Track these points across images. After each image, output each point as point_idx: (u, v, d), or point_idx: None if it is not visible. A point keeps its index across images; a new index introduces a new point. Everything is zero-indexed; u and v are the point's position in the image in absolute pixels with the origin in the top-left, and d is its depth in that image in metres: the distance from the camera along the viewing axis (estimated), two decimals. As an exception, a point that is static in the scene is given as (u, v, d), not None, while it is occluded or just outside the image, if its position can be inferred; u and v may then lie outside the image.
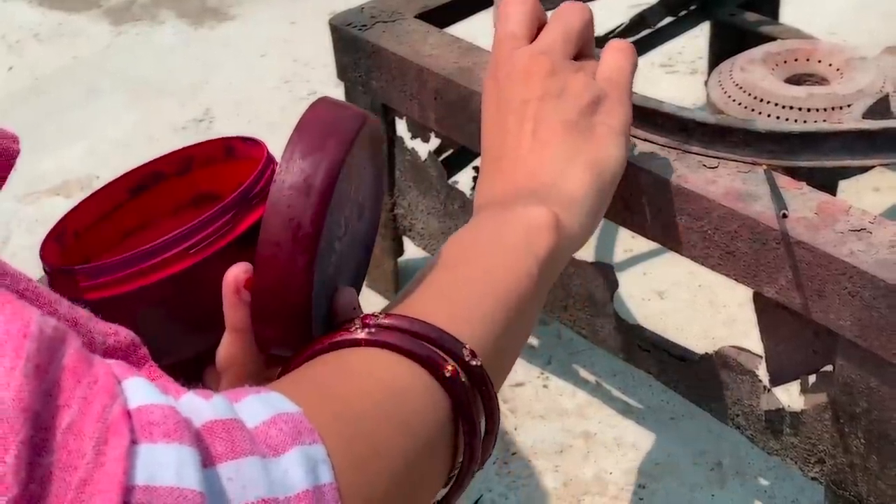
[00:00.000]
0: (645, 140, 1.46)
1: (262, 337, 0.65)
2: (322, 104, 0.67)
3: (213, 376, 0.71)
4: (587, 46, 0.90)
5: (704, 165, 1.41)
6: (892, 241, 1.25)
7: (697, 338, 1.91)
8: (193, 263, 0.65)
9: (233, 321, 0.67)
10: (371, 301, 2.04)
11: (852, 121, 1.45)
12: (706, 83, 2.69)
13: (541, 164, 0.81)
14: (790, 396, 1.63)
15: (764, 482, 1.69)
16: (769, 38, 2.09)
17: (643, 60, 2.49)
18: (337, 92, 2.92)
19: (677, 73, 2.76)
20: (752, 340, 1.54)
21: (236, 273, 0.66)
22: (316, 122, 0.63)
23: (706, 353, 1.53)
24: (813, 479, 1.46)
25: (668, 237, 1.44)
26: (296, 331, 0.65)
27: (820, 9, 2.93)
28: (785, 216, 1.25)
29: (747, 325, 1.96)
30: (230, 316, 0.67)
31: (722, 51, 2.30)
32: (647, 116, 1.46)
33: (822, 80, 1.75)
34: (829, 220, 1.29)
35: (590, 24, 0.89)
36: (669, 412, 1.81)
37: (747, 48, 1.77)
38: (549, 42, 0.84)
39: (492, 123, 0.84)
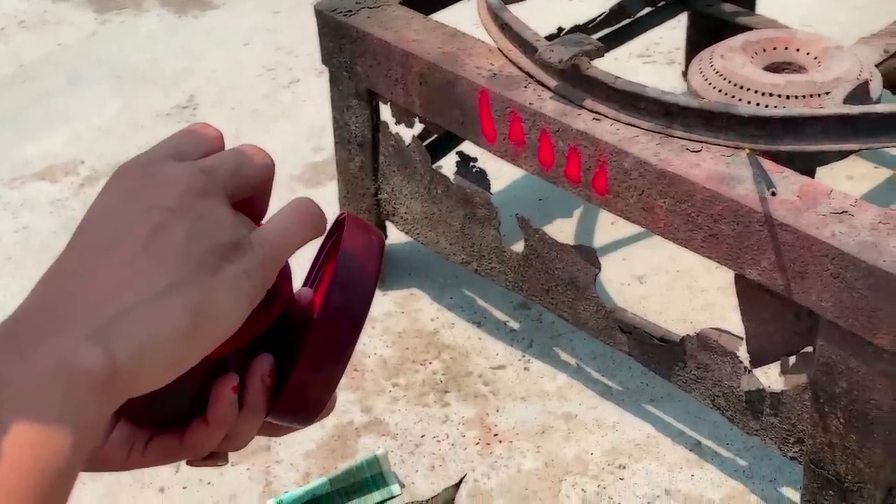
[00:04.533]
0: (628, 125, 1.48)
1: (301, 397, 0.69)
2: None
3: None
4: (260, 206, 0.68)
5: (688, 149, 1.43)
6: (874, 224, 1.28)
7: (676, 322, 1.94)
8: (224, 354, 0.68)
9: (220, 415, 0.66)
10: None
11: (833, 106, 1.48)
12: (684, 73, 2.72)
13: (133, 277, 0.57)
14: (769, 378, 1.66)
15: (742, 462, 1.72)
16: (746, 29, 2.11)
17: (622, 51, 2.53)
18: (319, 81, 2.95)
19: (655, 64, 2.79)
20: (729, 324, 1.57)
21: (265, 364, 0.68)
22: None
23: (687, 335, 1.56)
24: (792, 458, 1.49)
25: (652, 220, 1.46)
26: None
27: (793, 1, 2.97)
28: (774, 194, 1.27)
29: (725, 309, 1.99)
30: (227, 412, 0.66)
31: (699, 41, 2.32)
32: (630, 101, 1.49)
33: (800, 69, 1.78)
34: (812, 202, 1.32)
35: (268, 177, 0.67)
36: (649, 394, 1.83)
37: (724, 39, 1.80)
38: (215, 165, 0.63)
39: (99, 211, 0.61)
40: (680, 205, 1.41)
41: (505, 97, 1.57)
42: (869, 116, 1.38)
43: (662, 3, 2.33)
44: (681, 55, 2.65)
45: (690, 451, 1.74)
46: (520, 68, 1.60)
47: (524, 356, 1.91)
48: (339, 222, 0.71)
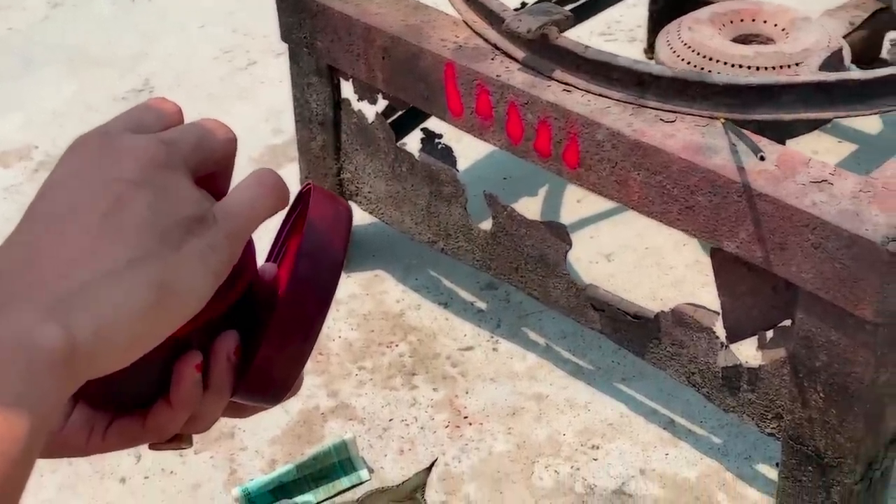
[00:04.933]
0: (600, 95, 1.45)
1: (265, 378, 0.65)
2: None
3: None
4: (222, 183, 0.65)
5: (662, 119, 1.40)
6: (854, 192, 1.25)
7: (646, 299, 1.91)
8: (187, 332, 0.62)
9: (183, 395, 0.63)
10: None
11: (809, 73, 1.45)
12: (646, 51, 2.69)
13: (93, 251, 0.53)
14: (741, 353, 1.63)
15: (717, 440, 1.69)
16: (707, 4, 2.09)
17: (583, 29, 2.49)
18: (277, 62, 2.90)
19: (617, 42, 2.76)
20: (700, 301, 1.53)
21: (230, 341, 0.64)
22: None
23: (661, 311, 1.52)
24: (770, 434, 1.46)
25: (625, 194, 1.43)
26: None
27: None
28: (763, 158, 1.24)
29: (695, 285, 1.96)
30: (190, 392, 0.63)
31: (661, 16, 2.30)
32: (602, 71, 1.45)
33: (767, 40, 1.75)
34: (790, 171, 1.29)
35: (231, 152, 0.63)
36: (620, 373, 1.80)
37: (686, 14, 1.77)
38: (175, 138, 0.60)
39: (55, 184, 0.58)
40: (655, 177, 1.37)
41: (471, 69, 1.52)
42: (846, 83, 1.35)
43: (625, -23, 2.29)
44: (642, 32, 2.62)
45: (664, 429, 1.71)
46: (486, 40, 1.56)
47: (492, 337, 1.88)
48: (304, 193, 0.67)
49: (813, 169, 1.29)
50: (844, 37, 1.82)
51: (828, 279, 1.25)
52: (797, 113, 1.37)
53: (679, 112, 1.40)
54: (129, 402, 0.64)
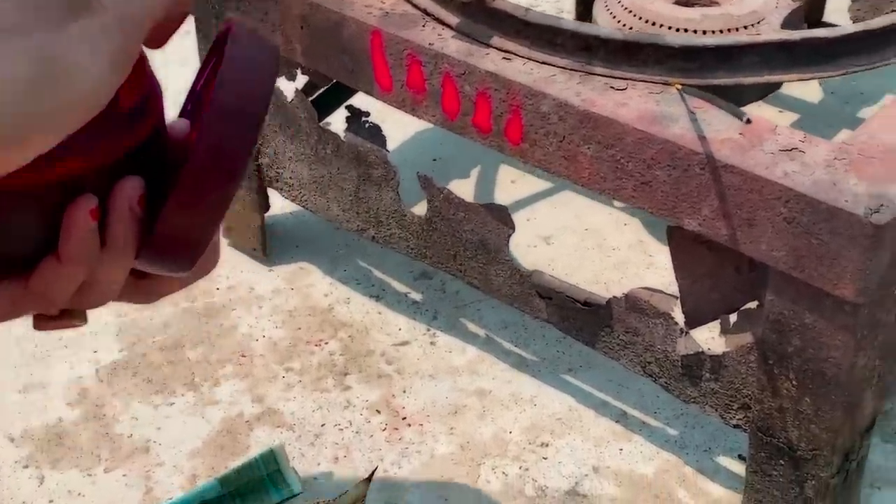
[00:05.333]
0: (543, 63, 1.32)
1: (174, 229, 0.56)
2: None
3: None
4: None
5: (612, 87, 1.27)
6: (828, 160, 1.14)
7: (589, 283, 1.79)
8: (81, 172, 0.54)
9: (75, 246, 0.54)
10: (238, 264, 1.86)
11: (772, 31, 1.34)
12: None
13: None
14: (702, 339, 1.52)
15: (673, 431, 1.58)
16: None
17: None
18: (184, 42, 2.71)
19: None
20: (645, 283, 1.43)
21: (133, 187, 0.55)
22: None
23: (614, 297, 1.40)
24: (736, 426, 1.35)
25: (574, 170, 1.30)
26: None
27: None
28: (749, 121, 1.12)
29: (639, 267, 1.85)
30: (83, 242, 0.54)
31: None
32: (545, 36, 1.32)
33: (711, 3, 1.65)
34: (756, 139, 1.17)
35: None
36: (567, 363, 1.68)
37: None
38: None
39: None
40: (607, 150, 1.25)
41: (401, 38, 1.39)
42: (812, 42, 1.24)
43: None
44: (569, 4, 2.50)
45: (616, 422, 1.59)
46: (415, 5, 1.43)
47: (429, 330, 1.75)
48: (221, 35, 0.57)
49: (781, 136, 1.17)
50: (792, -1, 1.72)
51: (802, 257, 1.13)
52: (759, 76, 1.26)
53: (630, 79, 1.28)
54: (7, 260, 0.55)
